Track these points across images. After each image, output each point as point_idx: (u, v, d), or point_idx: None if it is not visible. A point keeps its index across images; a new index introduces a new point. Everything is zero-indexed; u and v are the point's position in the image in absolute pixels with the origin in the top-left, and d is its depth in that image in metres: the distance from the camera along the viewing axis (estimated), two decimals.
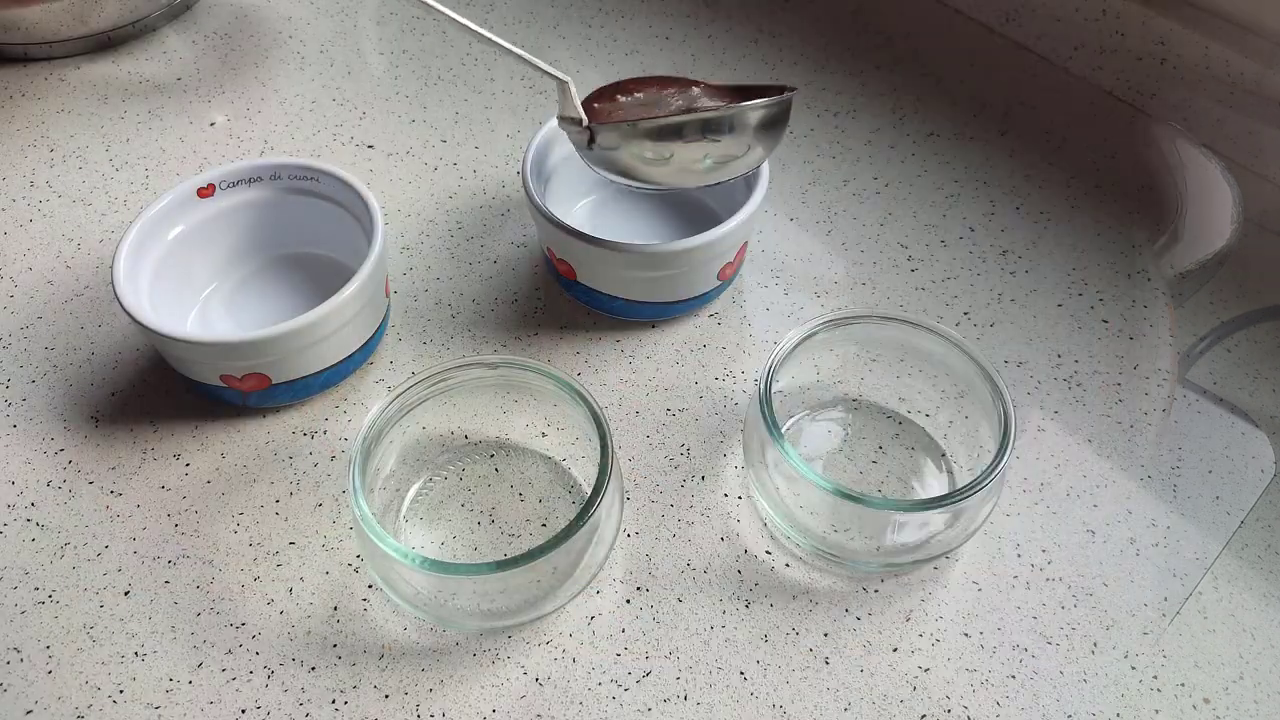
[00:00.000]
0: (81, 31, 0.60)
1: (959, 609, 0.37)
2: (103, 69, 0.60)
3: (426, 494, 0.40)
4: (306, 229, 0.47)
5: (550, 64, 0.42)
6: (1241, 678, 0.36)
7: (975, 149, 0.55)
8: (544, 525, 0.39)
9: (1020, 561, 0.39)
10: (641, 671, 0.36)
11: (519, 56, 0.41)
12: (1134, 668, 0.36)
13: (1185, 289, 0.48)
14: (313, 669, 0.36)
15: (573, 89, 0.42)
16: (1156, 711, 0.35)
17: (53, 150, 0.55)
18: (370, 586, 0.38)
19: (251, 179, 0.45)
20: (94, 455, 0.42)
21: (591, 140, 0.42)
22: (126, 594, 0.38)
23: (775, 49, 0.62)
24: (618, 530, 0.38)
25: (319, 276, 0.47)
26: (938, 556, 0.37)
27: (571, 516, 0.34)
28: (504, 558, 0.33)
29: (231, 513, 0.40)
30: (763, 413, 0.37)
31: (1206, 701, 0.35)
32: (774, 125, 0.42)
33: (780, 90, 0.43)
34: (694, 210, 0.49)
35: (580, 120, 0.42)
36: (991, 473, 0.35)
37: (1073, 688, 0.36)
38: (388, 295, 0.46)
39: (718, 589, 0.38)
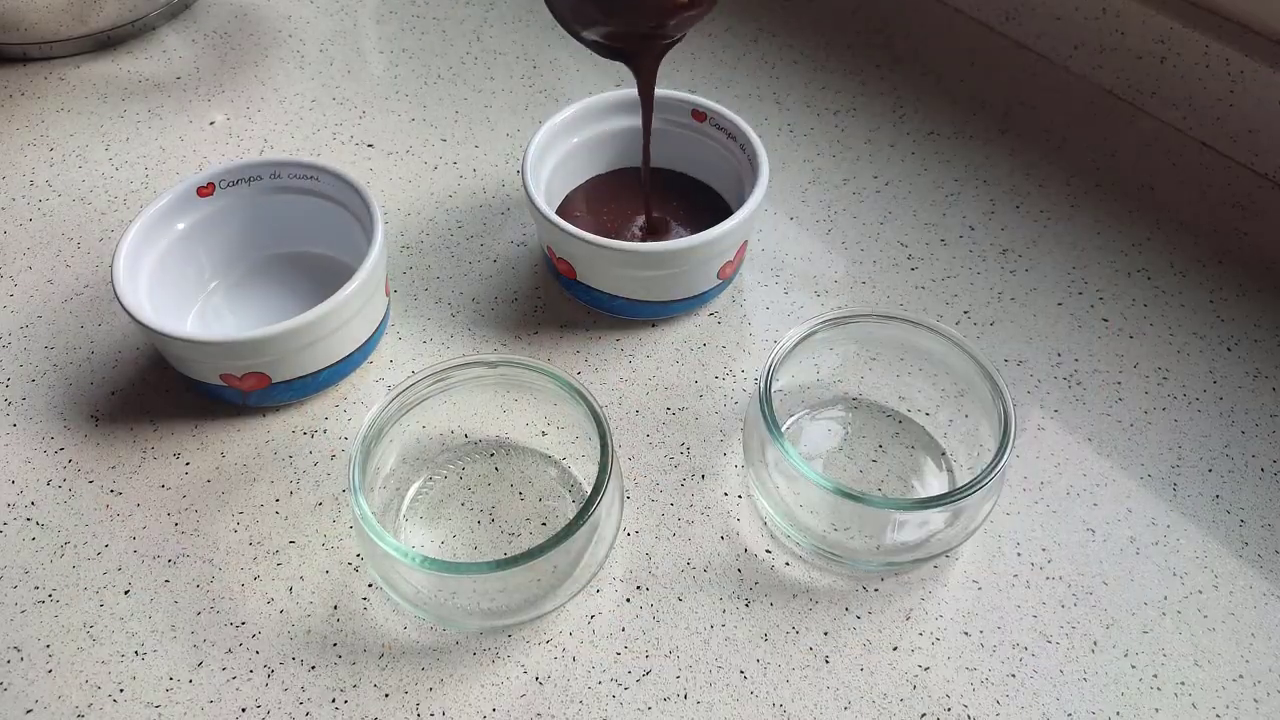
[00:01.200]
0: (81, 31, 0.60)
1: (959, 608, 0.37)
2: (103, 68, 0.60)
3: (426, 493, 0.40)
4: (306, 228, 0.47)
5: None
6: (1241, 677, 0.36)
7: (975, 148, 0.55)
8: (544, 524, 0.39)
9: (1020, 560, 0.39)
10: (641, 670, 0.36)
11: None
12: (1134, 667, 0.36)
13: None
14: (313, 668, 0.36)
15: None
16: (1156, 710, 0.35)
17: (52, 149, 0.55)
18: (370, 586, 0.38)
19: (251, 178, 0.45)
20: (94, 454, 0.42)
21: None
22: (126, 593, 0.38)
23: (775, 49, 0.62)
24: (618, 529, 0.38)
25: (319, 275, 0.47)
26: (938, 555, 0.38)
27: (571, 515, 0.34)
28: (504, 557, 0.33)
29: (231, 512, 0.40)
30: (763, 411, 0.37)
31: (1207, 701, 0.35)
32: None
33: None
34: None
35: None
36: (991, 471, 0.35)
37: (1073, 686, 0.36)
38: (387, 294, 0.46)
39: (718, 588, 0.38)
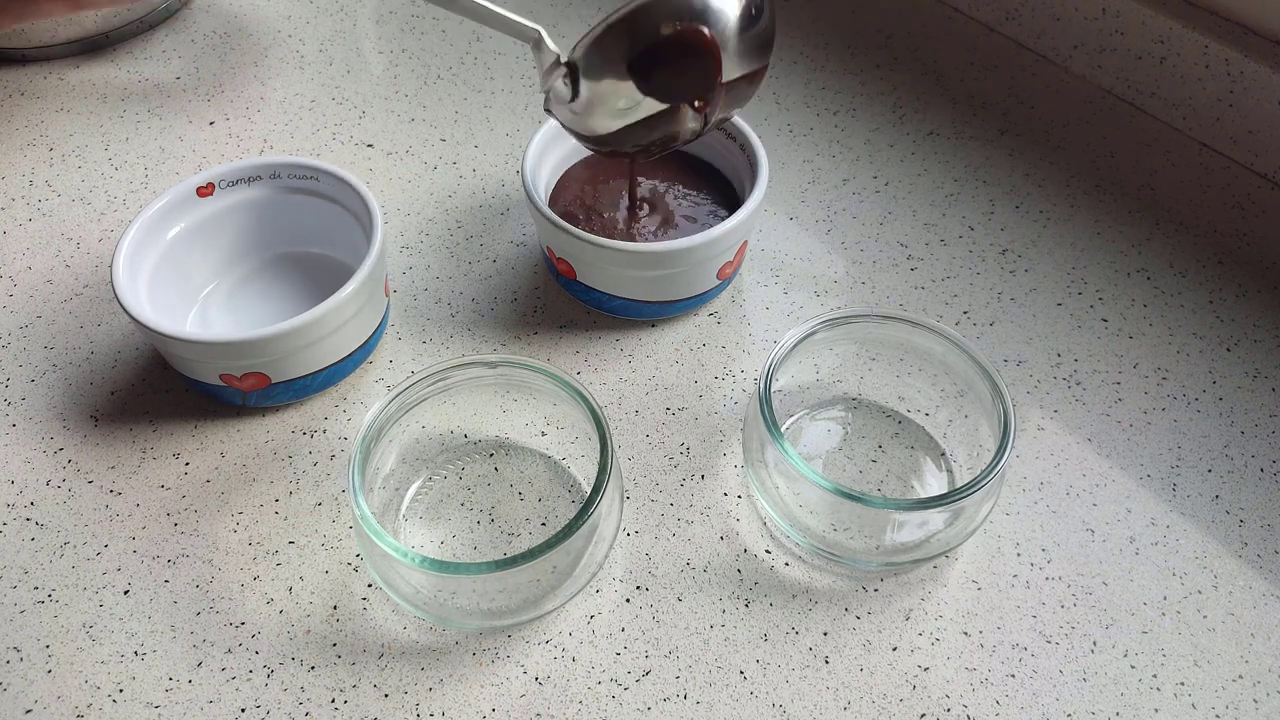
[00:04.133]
0: (80, 33, 0.60)
1: (958, 608, 0.37)
2: (102, 69, 0.60)
3: (426, 493, 0.40)
4: (306, 228, 0.47)
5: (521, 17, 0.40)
6: (1241, 678, 0.36)
7: (975, 148, 0.55)
8: (544, 524, 0.39)
9: (1020, 560, 0.39)
10: (641, 670, 0.36)
11: (489, 11, 0.38)
12: (1133, 667, 0.36)
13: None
14: (312, 668, 0.36)
15: (546, 37, 0.39)
16: (1156, 710, 0.35)
17: (52, 149, 0.55)
18: (370, 586, 0.38)
19: (251, 178, 0.45)
20: (93, 454, 0.42)
21: (575, 82, 0.39)
22: (126, 593, 0.38)
23: (775, 49, 0.62)
24: (617, 529, 0.38)
25: (318, 276, 0.47)
26: (937, 555, 0.38)
27: (571, 515, 0.34)
28: (503, 557, 0.33)
29: (231, 512, 0.40)
30: (762, 412, 0.37)
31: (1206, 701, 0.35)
32: (755, 45, 0.39)
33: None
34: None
35: (559, 59, 0.39)
36: (991, 472, 0.35)
37: (1072, 687, 0.36)
38: (387, 294, 0.46)
39: (717, 588, 0.38)
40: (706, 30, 0.38)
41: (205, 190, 0.45)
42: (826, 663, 0.36)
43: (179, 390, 0.44)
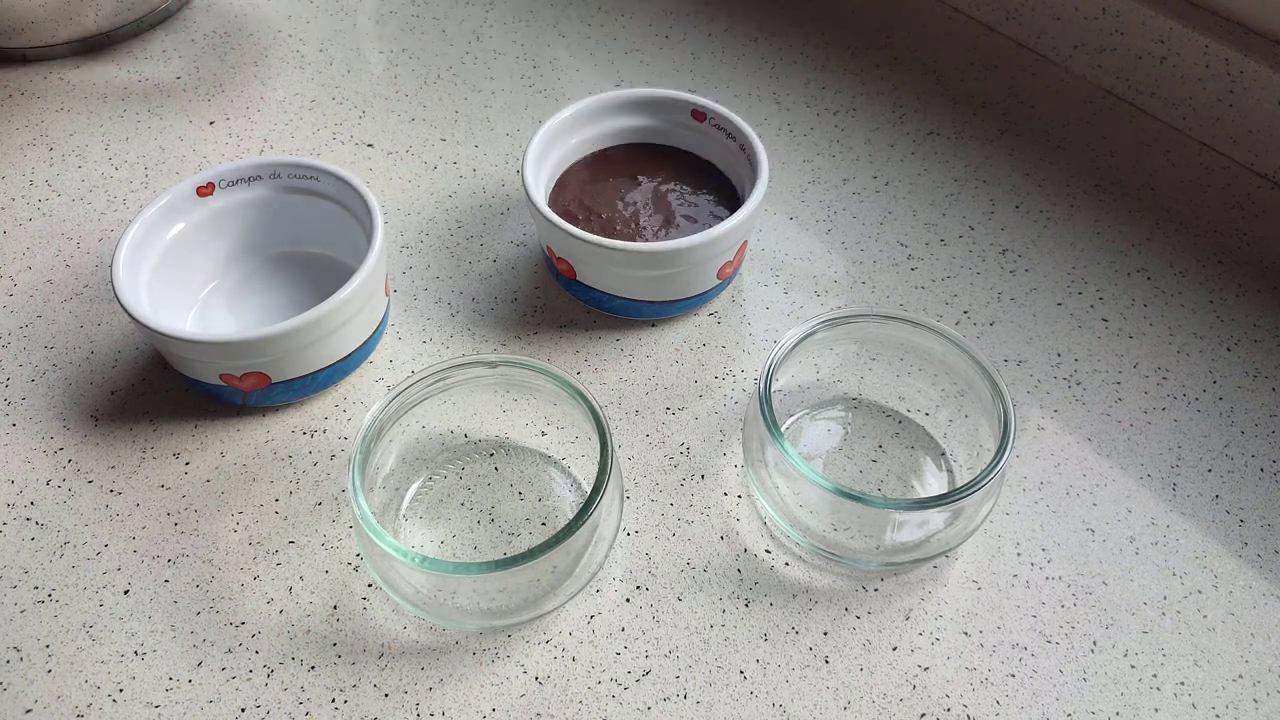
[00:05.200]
0: (80, 33, 0.60)
1: (958, 608, 0.37)
2: (102, 68, 0.60)
3: (426, 493, 0.40)
4: (306, 228, 0.47)
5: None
6: (1241, 677, 0.36)
7: (975, 148, 0.55)
8: (544, 524, 0.39)
9: (1020, 560, 0.39)
10: (641, 670, 0.36)
11: None
12: (1133, 666, 0.36)
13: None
14: (312, 668, 0.36)
15: None
16: (1156, 710, 0.35)
17: (52, 149, 0.55)
18: (370, 585, 0.38)
19: (251, 178, 0.45)
20: (93, 454, 0.42)
21: None
22: (126, 593, 0.38)
23: (775, 48, 0.62)
24: (617, 529, 0.38)
25: (318, 275, 0.47)
26: (937, 555, 0.38)
27: (571, 515, 0.34)
28: (503, 557, 0.33)
29: (231, 512, 0.40)
30: (762, 412, 0.37)
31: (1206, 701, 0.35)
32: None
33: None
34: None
35: None
36: (991, 471, 0.35)
37: (1072, 686, 0.36)
38: (387, 294, 0.46)
39: (717, 588, 0.38)
40: None
41: (205, 190, 0.45)
42: (826, 662, 0.36)
43: (179, 390, 0.44)
